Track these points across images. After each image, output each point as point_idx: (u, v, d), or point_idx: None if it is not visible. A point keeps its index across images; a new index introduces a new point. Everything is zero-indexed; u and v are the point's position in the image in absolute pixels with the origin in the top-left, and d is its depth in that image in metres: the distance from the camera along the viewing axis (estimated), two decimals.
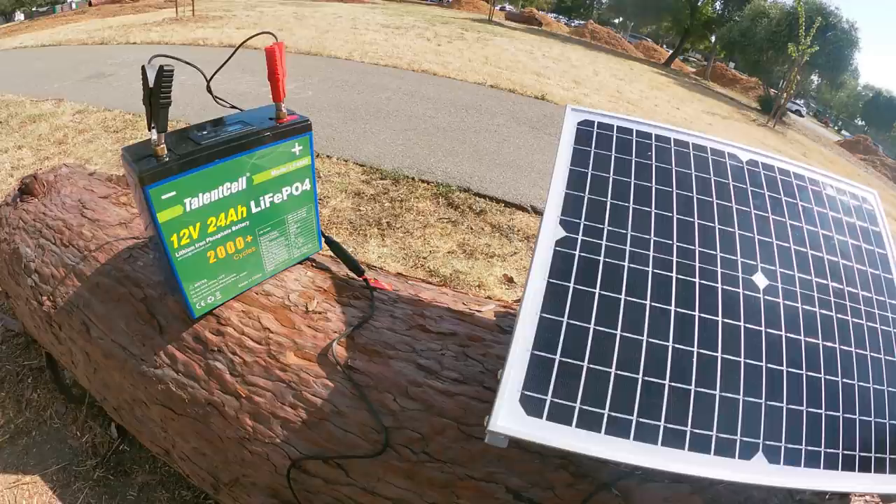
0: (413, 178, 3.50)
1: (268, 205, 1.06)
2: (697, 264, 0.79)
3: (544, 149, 4.47)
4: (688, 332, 0.73)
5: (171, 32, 9.00)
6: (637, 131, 0.95)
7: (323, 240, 1.24)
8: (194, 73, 0.96)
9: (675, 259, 0.79)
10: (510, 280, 2.51)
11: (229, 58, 1.06)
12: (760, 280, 0.80)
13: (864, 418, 0.73)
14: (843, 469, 0.69)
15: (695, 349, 0.72)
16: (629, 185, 0.87)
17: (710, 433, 0.67)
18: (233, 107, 1.08)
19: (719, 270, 0.79)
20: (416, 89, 5.90)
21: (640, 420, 0.66)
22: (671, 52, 25.57)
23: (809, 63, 14.22)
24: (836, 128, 35.26)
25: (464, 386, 0.93)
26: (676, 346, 0.71)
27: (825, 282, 0.82)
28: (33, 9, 23.27)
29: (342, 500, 0.91)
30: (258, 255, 1.10)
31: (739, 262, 0.81)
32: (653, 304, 0.74)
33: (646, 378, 0.69)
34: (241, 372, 1.00)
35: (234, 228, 1.02)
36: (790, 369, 0.73)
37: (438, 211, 3.14)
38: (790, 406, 0.70)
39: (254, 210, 1.04)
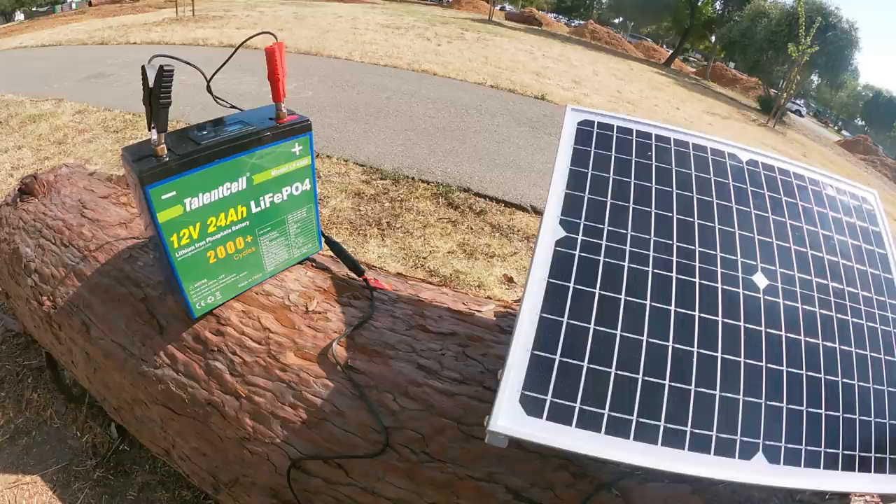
0: (413, 178, 3.50)
1: (268, 205, 1.06)
2: (697, 264, 0.79)
3: (544, 149, 4.47)
4: (688, 332, 0.73)
5: (171, 32, 9.00)
6: (637, 131, 0.95)
7: (323, 240, 1.24)
8: (194, 73, 0.96)
9: (675, 259, 0.79)
10: (510, 280, 2.51)
11: (229, 58, 1.06)
12: (760, 280, 0.80)
13: (864, 418, 0.73)
14: (843, 469, 0.69)
15: (695, 349, 0.72)
16: (629, 185, 0.87)
17: (710, 433, 0.67)
18: (233, 107, 1.08)
19: (719, 270, 0.79)
20: (416, 89, 5.90)
21: (640, 420, 0.66)
22: (671, 52, 25.56)
23: (809, 63, 14.20)
24: (836, 128, 35.25)
25: (464, 386, 0.93)
26: (676, 346, 0.72)
27: (825, 282, 0.82)
28: (33, 9, 23.24)
29: (342, 500, 0.91)
30: (258, 255, 1.10)
31: (739, 262, 0.81)
32: (653, 304, 0.74)
33: (646, 378, 0.69)
34: (241, 372, 1.00)
35: (234, 228, 1.02)
36: (790, 369, 0.73)
37: (438, 211, 3.14)
38: (790, 406, 0.71)
39: (254, 210, 1.04)
